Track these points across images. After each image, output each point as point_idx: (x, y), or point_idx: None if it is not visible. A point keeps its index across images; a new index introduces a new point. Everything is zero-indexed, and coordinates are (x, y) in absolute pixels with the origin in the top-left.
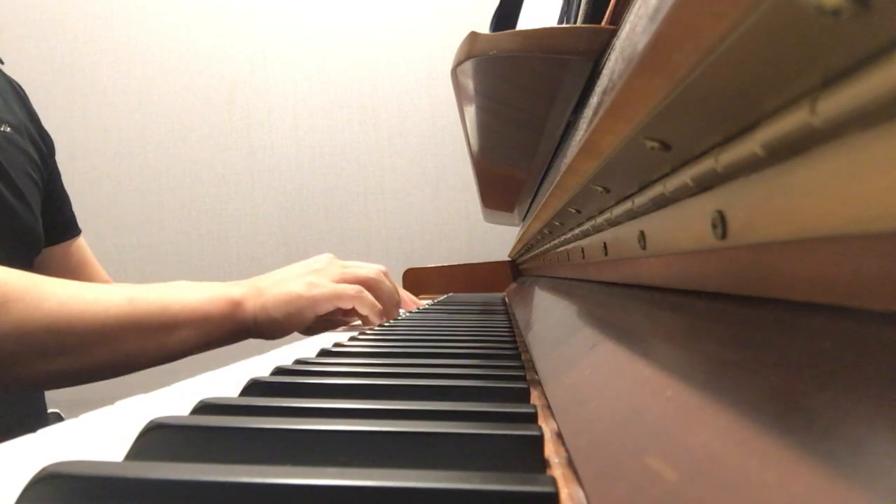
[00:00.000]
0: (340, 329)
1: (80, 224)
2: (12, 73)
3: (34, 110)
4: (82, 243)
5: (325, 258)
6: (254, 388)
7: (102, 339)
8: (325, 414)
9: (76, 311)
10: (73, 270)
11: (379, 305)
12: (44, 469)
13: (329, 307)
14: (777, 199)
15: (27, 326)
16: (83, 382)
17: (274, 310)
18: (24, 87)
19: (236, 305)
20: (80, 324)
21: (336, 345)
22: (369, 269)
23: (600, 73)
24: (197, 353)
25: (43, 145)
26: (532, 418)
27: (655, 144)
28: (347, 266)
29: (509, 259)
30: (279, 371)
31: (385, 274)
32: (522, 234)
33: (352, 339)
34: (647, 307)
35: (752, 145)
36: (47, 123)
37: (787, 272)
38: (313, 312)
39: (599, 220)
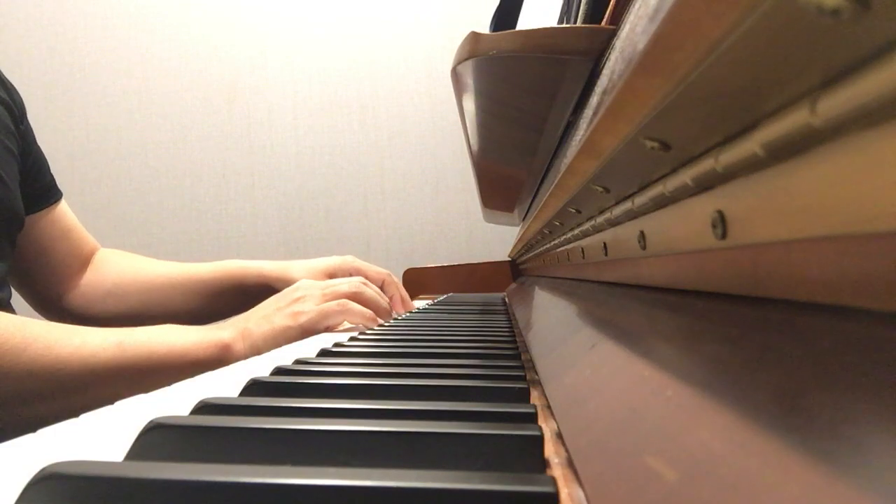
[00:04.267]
0: (339, 329)
1: (81, 224)
2: (10, 75)
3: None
4: (65, 208)
5: (303, 285)
6: (254, 388)
7: (88, 384)
8: (326, 414)
9: (63, 356)
10: (57, 239)
11: (368, 311)
12: (44, 469)
13: (320, 329)
14: (777, 199)
15: (11, 371)
16: None
17: (265, 347)
18: (23, 87)
19: (225, 349)
20: (65, 368)
21: (336, 345)
22: (350, 284)
23: (600, 73)
24: None
25: (14, 108)
26: (532, 418)
27: (655, 144)
28: (326, 286)
29: (509, 259)
30: (279, 371)
31: (365, 283)
32: (522, 234)
33: (352, 339)
34: (647, 307)
35: (752, 145)
36: (47, 124)
37: (787, 272)
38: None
39: (599, 220)
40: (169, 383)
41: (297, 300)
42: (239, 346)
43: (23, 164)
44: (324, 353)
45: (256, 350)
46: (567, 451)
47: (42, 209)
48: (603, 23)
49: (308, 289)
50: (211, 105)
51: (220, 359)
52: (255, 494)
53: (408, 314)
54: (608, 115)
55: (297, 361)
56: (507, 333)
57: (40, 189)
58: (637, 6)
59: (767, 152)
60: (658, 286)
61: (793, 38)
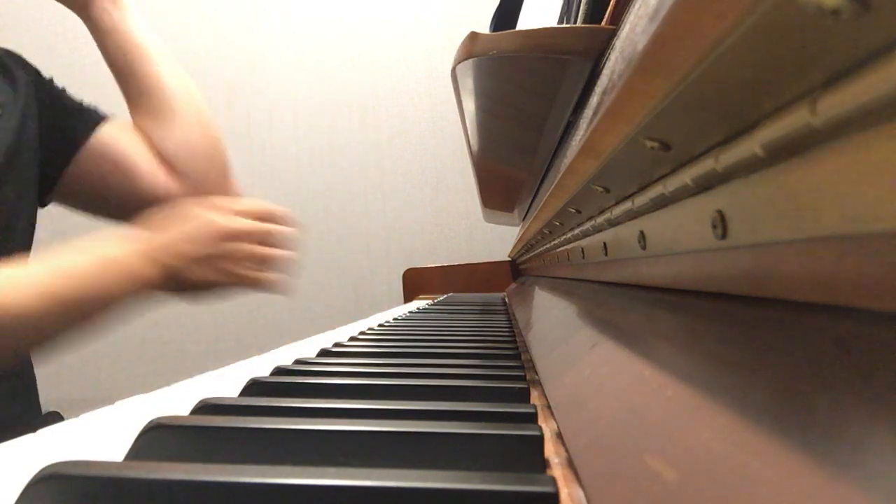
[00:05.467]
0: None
1: (79, 229)
2: None
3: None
4: (104, 139)
5: (236, 229)
6: (254, 387)
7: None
8: (325, 414)
9: None
10: (108, 173)
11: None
12: (44, 469)
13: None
14: (777, 199)
15: None
16: None
17: (188, 298)
18: None
19: (149, 287)
20: None
21: (336, 345)
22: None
23: (600, 73)
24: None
25: (46, 101)
26: (532, 418)
27: (655, 144)
28: (257, 243)
29: (509, 259)
30: (279, 371)
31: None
32: (522, 234)
33: (352, 339)
34: (647, 307)
35: (751, 145)
36: None
37: (787, 272)
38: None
39: (599, 220)
40: (91, 323)
41: (231, 254)
42: (162, 287)
43: (50, 132)
44: (324, 352)
45: (183, 292)
46: (567, 451)
47: (79, 149)
48: (603, 23)
49: (241, 245)
50: (210, 105)
51: (144, 293)
52: (255, 494)
53: (408, 314)
54: (608, 115)
55: (297, 361)
56: (507, 333)
57: (64, 139)
58: (637, 6)
59: (767, 152)
60: (658, 286)
61: (793, 38)
